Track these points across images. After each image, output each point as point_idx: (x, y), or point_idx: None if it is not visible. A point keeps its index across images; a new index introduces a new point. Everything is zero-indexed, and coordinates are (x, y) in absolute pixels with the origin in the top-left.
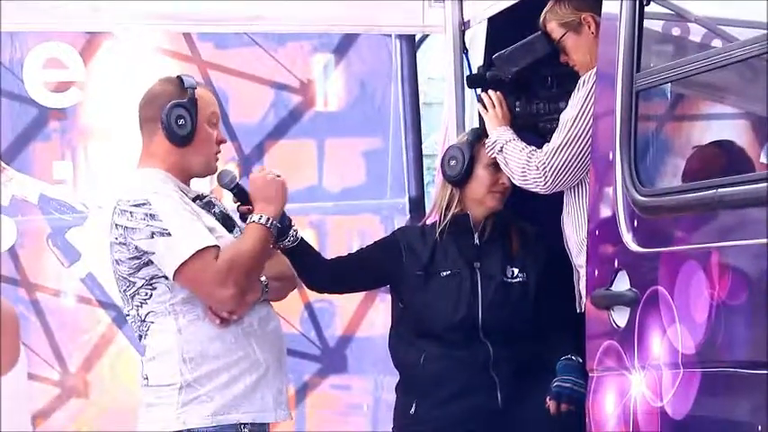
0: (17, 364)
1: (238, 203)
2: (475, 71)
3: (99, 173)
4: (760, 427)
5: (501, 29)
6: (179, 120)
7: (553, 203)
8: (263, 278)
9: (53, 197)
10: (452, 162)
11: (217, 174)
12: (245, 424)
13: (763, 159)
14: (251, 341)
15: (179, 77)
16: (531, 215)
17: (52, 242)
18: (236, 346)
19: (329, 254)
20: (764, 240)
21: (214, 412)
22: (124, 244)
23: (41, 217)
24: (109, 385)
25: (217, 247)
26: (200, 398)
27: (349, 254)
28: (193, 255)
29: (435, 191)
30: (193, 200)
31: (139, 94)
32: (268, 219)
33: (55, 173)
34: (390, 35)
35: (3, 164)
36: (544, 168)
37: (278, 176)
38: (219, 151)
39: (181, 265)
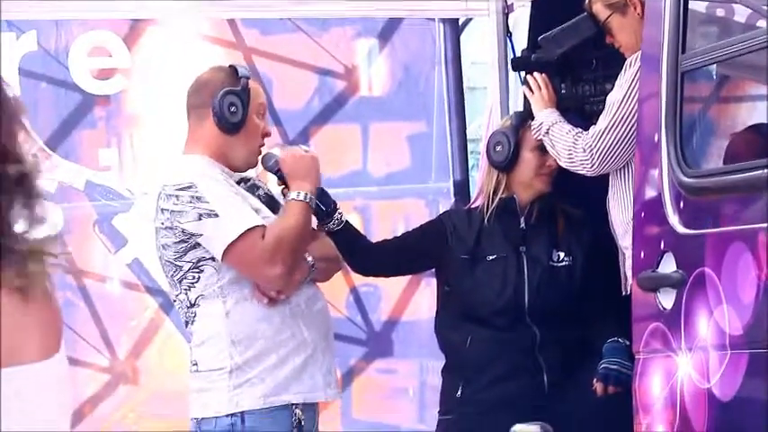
0: (56, 355)
1: (283, 186)
2: (519, 54)
3: (144, 159)
4: None
5: (544, 12)
6: (231, 107)
7: (598, 186)
8: (309, 258)
9: (99, 183)
10: (498, 147)
11: (261, 157)
12: (296, 404)
13: None
14: (298, 321)
15: (232, 66)
16: (576, 197)
17: (99, 228)
18: (283, 327)
19: (374, 238)
20: None
21: (266, 394)
22: (171, 228)
23: (88, 203)
24: (157, 371)
25: (263, 227)
26: (251, 380)
27: (395, 237)
28: (241, 235)
29: (480, 175)
30: (237, 183)
31: (184, 81)
32: (306, 194)
33: (101, 160)
34: (434, 19)
35: (49, 151)
36: (591, 150)
37: (306, 152)
38: (263, 144)
39: (229, 245)
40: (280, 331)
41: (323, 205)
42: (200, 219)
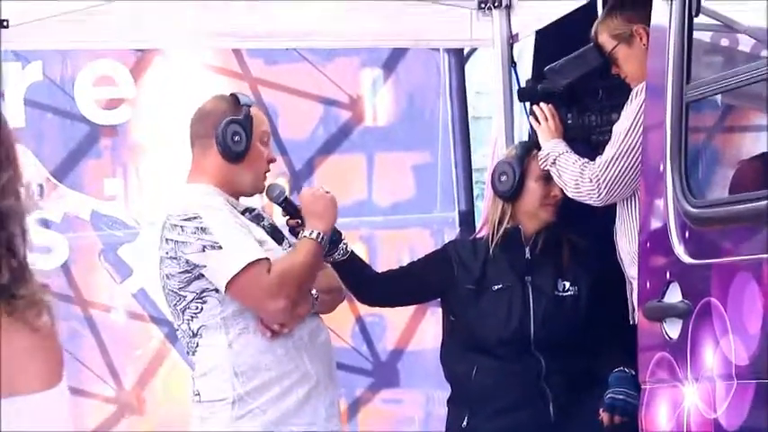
0: (63, 382)
1: (287, 217)
2: (523, 84)
3: (150, 189)
4: None
5: (548, 42)
6: (234, 136)
7: (606, 215)
8: (313, 291)
9: (105, 213)
10: (503, 177)
11: (266, 188)
12: None
13: None
14: (301, 354)
15: (233, 95)
16: (583, 227)
17: (104, 258)
18: (286, 359)
19: (380, 268)
20: None
21: (266, 425)
22: (175, 258)
23: (93, 233)
24: (163, 401)
25: (267, 259)
26: (253, 411)
27: (400, 267)
28: (245, 267)
29: (485, 205)
30: (242, 213)
31: (190, 111)
32: (319, 233)
33: (106, 189)
34: (438, 49)
35: (55, 181)
36: (597, 180)
37: (327, 192)
38: (269, 170)
39: (233, 277)
40: (283, 363)
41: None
42: (203, 250)
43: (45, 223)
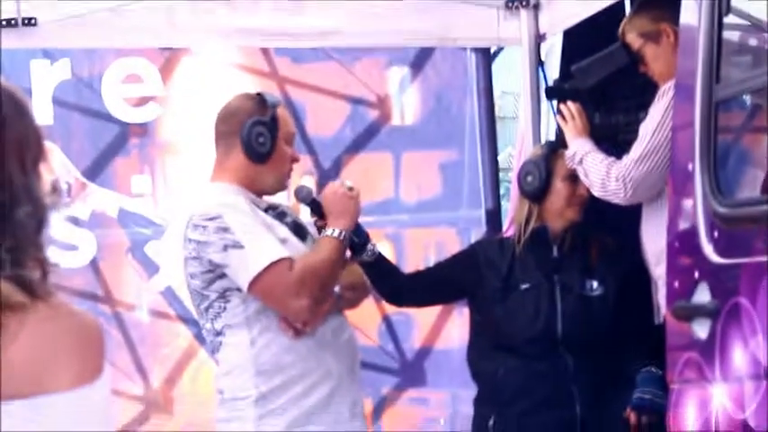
0: (100, 379)
1: (315, 218)
2: (551, 83)
3: (177, 186)
4: None
5: (576, 41)
6: (259, 137)
7: (631, 215)
8: (336, 288)
9: (132, 211)
10: (529, 177)
11: (294, 189)
12: None
13: None
14: (324, 352)
15: (260, 94)
16: (609, 226)
17: (132, 256)
18: (309, 357)
19: (406, 265)
20: None
21: (289, 424)
22: (197, 258)
23: (121, 231)
24: (190, 400)
25: (290, 258)
26: (275, 410)
27: (427, 268)
28: (267, 267)
29: (511, 204)
30: (265, 210)
31: (217, 109)
32: (340, 231)
33: (134, 187)
34: (466, 49)
35: (83, 179)
36: (624, 179)
37: (350, 189)
38: (292, 169)
39: (255, 277)
40: (306, 362)
41: (356, 237)
42: (225, 250)
43: (73, 221)
